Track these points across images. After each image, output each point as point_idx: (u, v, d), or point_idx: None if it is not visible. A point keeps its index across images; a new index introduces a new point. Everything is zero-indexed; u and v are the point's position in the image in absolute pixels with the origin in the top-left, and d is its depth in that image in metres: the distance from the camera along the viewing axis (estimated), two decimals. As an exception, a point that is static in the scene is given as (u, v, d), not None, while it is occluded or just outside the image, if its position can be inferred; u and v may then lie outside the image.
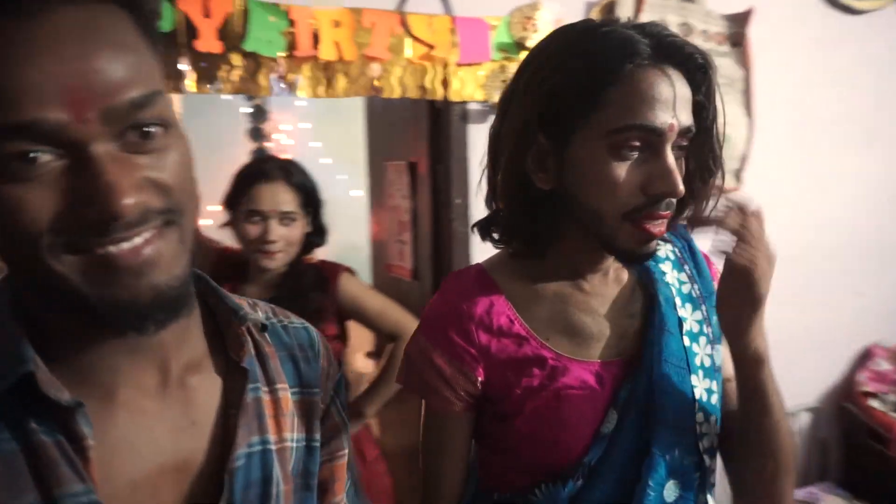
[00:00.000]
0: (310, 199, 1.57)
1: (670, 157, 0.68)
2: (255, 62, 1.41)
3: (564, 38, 0.73)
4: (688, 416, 0.77)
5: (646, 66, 0.68)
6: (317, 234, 1.62)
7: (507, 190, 0.78)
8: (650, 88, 0.67)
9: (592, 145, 0.70)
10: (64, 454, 0.50)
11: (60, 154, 0.45)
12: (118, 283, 0.48)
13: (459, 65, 1.58)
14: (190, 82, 1.39)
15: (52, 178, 0.45)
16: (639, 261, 0.76)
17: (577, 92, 0.69)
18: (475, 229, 0.85)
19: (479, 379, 0.78)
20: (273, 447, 0.60)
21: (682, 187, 0.68)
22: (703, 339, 0.81)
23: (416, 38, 1.52)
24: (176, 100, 2.03)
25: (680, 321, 0.80)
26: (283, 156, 1.71)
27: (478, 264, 0.85)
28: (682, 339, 0.79)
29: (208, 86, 1.41)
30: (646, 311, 0.80)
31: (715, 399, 0.79)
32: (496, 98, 1.35)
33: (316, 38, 1.44)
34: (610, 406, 0.76)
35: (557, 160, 0.73)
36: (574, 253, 0.78)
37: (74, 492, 0.50)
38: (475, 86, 1.61)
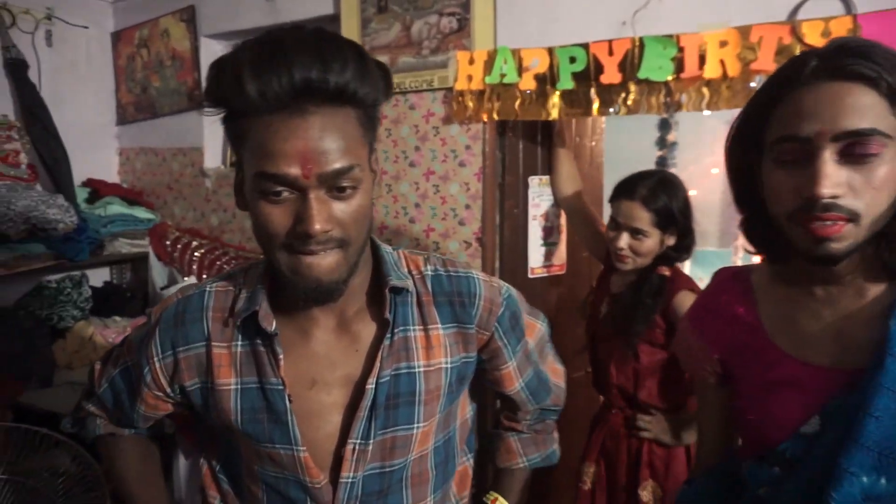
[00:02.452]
0: (667, 220, 1.67)
1: (820, 162, 0.71)
2: (647, 86, 1.69)
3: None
4: None
5: (806, 85, 0.74)
6: (677, 250, 1.71)
7: (736, 200, 0.89)
8: (799, 103, 0.74)
9: (766, 158, 0.80)
10: (269, 359, 0.84)
11: (294, 192, 0.73)
12: (303, 276, 0.76)
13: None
14: (595, 107, 1.76)
15: (287, 205, 0.74)
16: (819, 262, 0.76)
17: (756, 116, 0.81)
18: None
19: (716, 357, 0.93)
20: (419, 370, 0.87)
21: (823, 190, 0.70)
22: None
23: (807, 46, 1.54)
24: (598, 120, 2.44)
25: None
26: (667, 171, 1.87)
27: (747, 265, 0.96)
28: None
29: (610, 109, 1.76)
30: (883, 331, 0.77)
31: None
32: None
33: (702, 59, 1.62)
34: (817, 411, 0.78)
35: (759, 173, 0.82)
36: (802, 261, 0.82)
37: (272, 381, 0.84)
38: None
